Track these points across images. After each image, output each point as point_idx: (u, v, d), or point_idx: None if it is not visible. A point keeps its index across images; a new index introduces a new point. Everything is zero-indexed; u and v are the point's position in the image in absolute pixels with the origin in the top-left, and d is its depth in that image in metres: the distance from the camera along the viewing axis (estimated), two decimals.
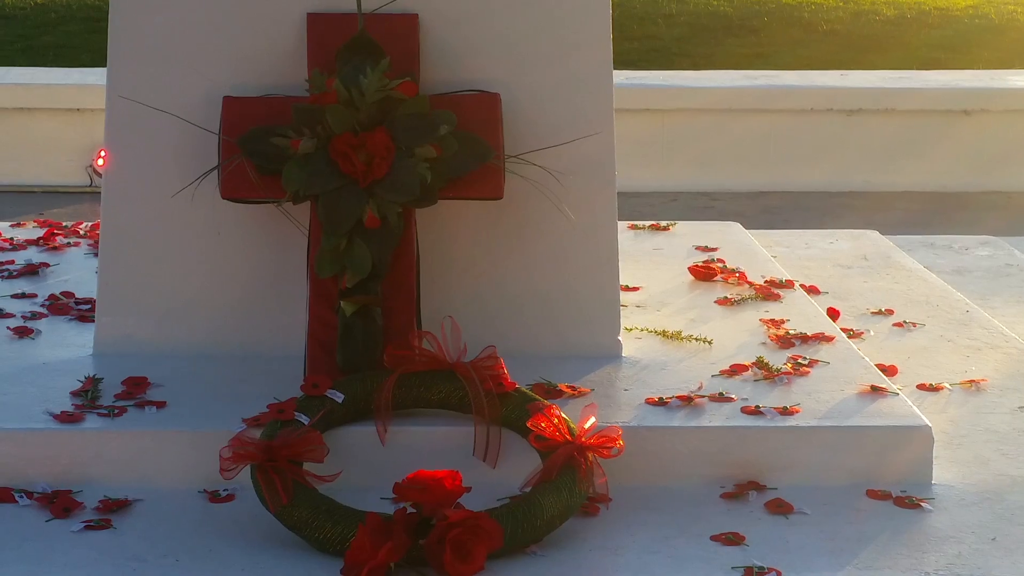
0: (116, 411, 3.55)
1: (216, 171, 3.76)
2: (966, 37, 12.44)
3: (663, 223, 5.58)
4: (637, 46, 12.06)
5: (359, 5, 3.78)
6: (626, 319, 4.19)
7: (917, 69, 10.72)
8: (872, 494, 3.47)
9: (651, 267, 4.95)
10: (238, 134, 3.72)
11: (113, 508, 3.33)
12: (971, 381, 4.21)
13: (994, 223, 8.20)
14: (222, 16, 3.93)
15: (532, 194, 3.91)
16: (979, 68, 10.92)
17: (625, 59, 10.15)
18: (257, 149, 3.69)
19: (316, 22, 3.86)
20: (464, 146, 3.70)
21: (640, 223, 5.57)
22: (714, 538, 3.25)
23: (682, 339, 4.15)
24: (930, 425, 3.60)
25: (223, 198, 3.77)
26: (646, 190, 8.96)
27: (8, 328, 4.14)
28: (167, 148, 3.92)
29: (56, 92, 9.08)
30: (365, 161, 3.60)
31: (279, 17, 3.91)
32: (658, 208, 8.74)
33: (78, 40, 11.94)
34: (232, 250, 3.95)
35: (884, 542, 3.27)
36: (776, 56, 11.93)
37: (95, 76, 9.14)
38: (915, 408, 3.70)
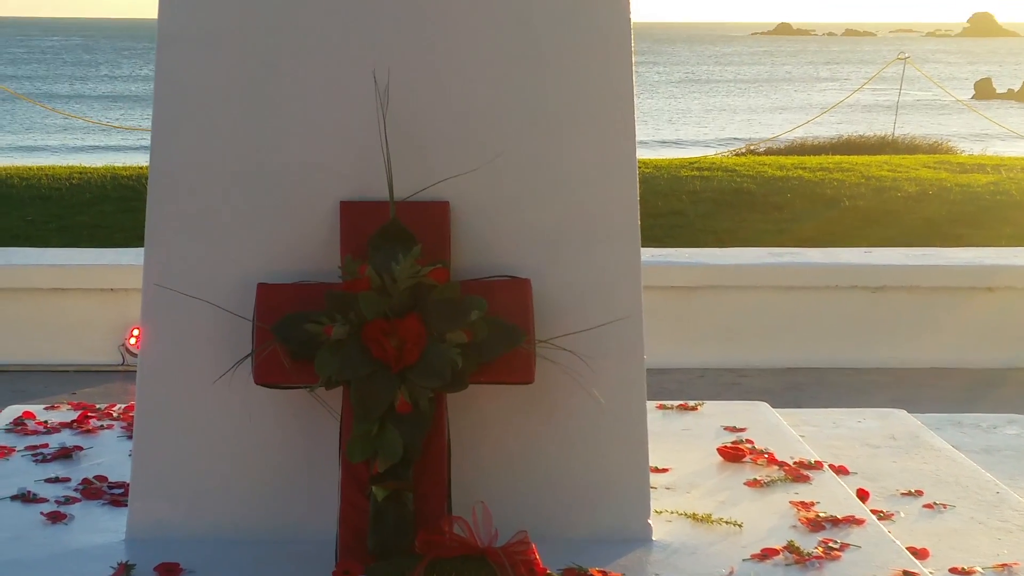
0: None
1: (250, 357, 3.79)
2: (988, 213, 12.52)
3: (691, 403, 5.58)
4: (662, 222, 12.16)
5: (391, 193, 3.84)
6: (656, 501, 4.17)
7: (940, 245, 10.78)
8: None
9: (680, 448, 4.94)
10: (272, 320, 3.75)
11: None
12: (1003, 565, 4.18)
13: (1021, 401, 8.17)
14: (256, 203, 3.99)
15: (562, 377, 3.93)
16: (1001, 244, 10.98)
17: (650, 235, 10.23)
18: (290, 335, 3.72)
19: (349, 210, 3.91)
20: (495, 331, 3.73)
21: (668, 403, 5.57)
22: None
23: (712, 522, 4.13)
24: None
25: (256, 383, 3.79)
26: (672, 366, 8.98)
27: (41, 513, 4.14)
28: (202, 333, 3.96)
29: (90, 273, 9.16)
30: (397, 347, 3.63)
31: (312, 205, 3.96)
32: (685, 384, 8.74)
33: (112, 219, 12.10)
34: (265, 435, 3.96)
35: None
36: (800, 232, 12.00)
37: (128, 256, 9.25)
38: None
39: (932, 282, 9.41)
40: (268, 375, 3.77)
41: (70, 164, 15.42)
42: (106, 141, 42.35)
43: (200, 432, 3.98)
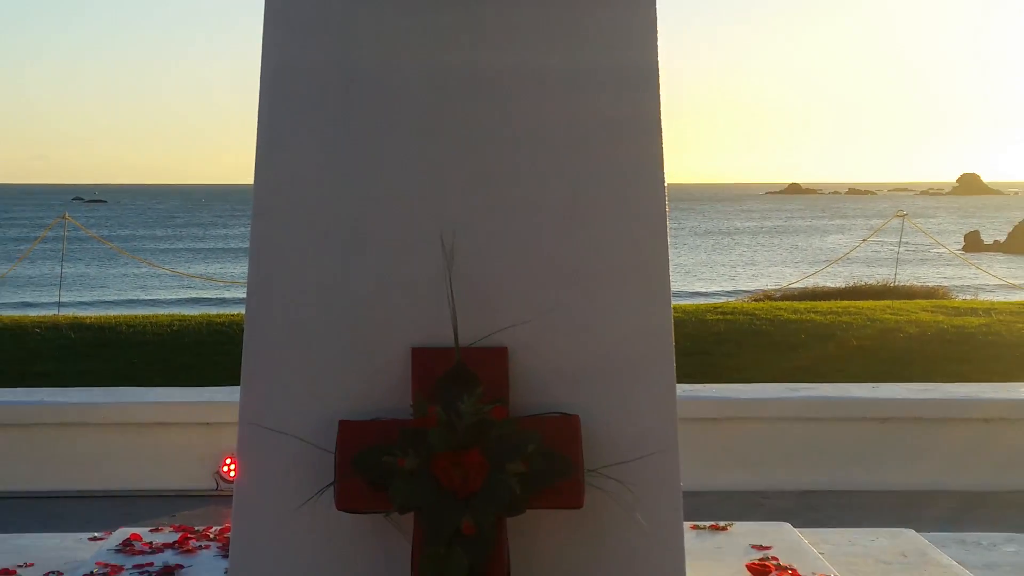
0: None
1: (332, 486, 3.79)
2: (981, 351, 12.42)
3: (722, 524, 5.53)
4: (691, 360, 12.11)
5: (456, 340, 3.85)
6: None
7: (940, 381, 10.68)
8: None
9: (712, 564, 4.89)
10: (352, 453, 3.76)
11: None
12: None
13: (1017, 520, 8.05)
14: (339, 350, 4.01)
15: (608, 502, 3.90)
16: (994, 379, 10.87)
17: (680, 372, 10.16)
18: (368, 466, 3.72)
19: (419, 355, 3.93)
20: (548, 462, 3.72)
21: (701, 523, 5.52)
22: None
23: None
24: None
25: (337, 509, 3.78)
26: (702, 490, 8.89)
27: None
28: (290, 464, 3.96)
29: (189, 409, 9.19)
30: (462, 476, 3.63)
31: (388, 351, 3.98)
32: (713, 506, 8.65)
33: (208, 360, 12.15)
34: (345, 555, 3.94)
35: None
36: (814, 368, 11.94)
37: (223, 394, 9.27)
38: None
39: (934, 414, 9.31)
40: (348, 502, 3.77)
41: (171, 313, 15.55)
42: (204, 293, 42.76)
43: (288, 554, 3.96)
